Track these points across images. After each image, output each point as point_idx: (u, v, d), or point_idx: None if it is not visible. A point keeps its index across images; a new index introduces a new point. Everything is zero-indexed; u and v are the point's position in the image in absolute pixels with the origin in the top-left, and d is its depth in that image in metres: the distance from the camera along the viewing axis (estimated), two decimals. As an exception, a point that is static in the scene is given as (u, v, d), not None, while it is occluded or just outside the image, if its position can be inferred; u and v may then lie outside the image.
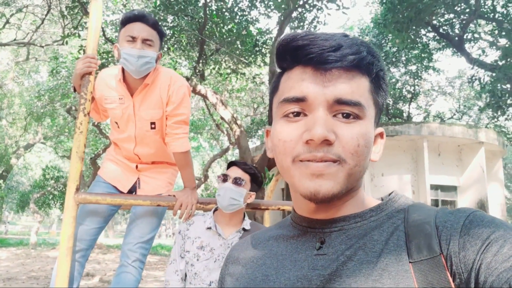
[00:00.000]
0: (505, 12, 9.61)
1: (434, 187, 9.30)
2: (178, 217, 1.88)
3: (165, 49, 8.89)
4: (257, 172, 1.87)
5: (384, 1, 8.98)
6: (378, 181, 8.84)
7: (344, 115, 0.53)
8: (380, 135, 0.61)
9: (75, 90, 1.88)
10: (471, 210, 0.52)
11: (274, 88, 0.61)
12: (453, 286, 0.47)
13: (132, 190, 2.04)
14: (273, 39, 9.55)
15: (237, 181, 1.78)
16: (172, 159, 2.06)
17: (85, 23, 8.97)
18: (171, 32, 8.76)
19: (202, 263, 1.76)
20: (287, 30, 9.29)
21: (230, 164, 1.88)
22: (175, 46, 9.34)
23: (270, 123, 0.64)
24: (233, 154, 19.08)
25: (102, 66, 6.44)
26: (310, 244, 0.57)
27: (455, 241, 0.48)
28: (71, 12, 8.36)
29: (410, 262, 0.49)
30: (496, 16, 9.70)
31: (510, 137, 9.99)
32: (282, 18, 8.80)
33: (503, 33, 9.65)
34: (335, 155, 0.52)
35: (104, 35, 8.63)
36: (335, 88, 0.53)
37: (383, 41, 11.98)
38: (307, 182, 0.53)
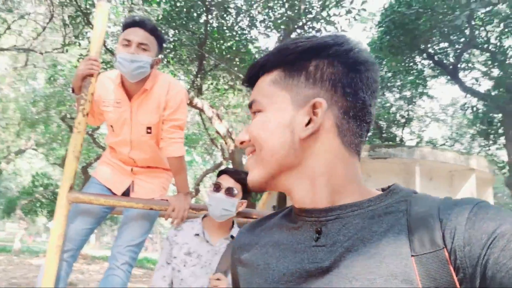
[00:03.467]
0: (498, 43, 9.88)
1: (425, 212, 9.31)
2: (170, 223, 1.88)
3: (165, 62, 8.98)
4: None
5: (382, 24, 9.19)
6: (369, 203, 8.84)
7: (253, 115, 0.64)
8: (319, 105, 0.57)
9: (73, 91, 1.90)
10: (476, 201, 0.51)
11: None
12: (455, 280, 0.47)
13: (126, 193, 2.04)
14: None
15: (229, 192, 1.77)
16: (167, 165, 2.07)
17: (86, 32, 9.05)
18: (172, 46, 8.87)
19: (189, 269, 1.75)
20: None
21: (221, 172, 1.87)
22: (175, 59, 9.44)
23: None
24: (226, 170, 18.99)
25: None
26: (308, 234, 0.58)
27: (459, 235, 0.47)
28: (73, 22, 8.45)
29: (412, 255, 0.49)
30: (490, 47, 9.95)
31: (501, 165, 10.11)
32: (281, 38, 8.97)
33: (496, 64, 9.89)
34: (250, 148, 0.63)
35: (104, 45, 8.71)
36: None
37: (379, 66, 12.21)
38: None
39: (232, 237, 1.84)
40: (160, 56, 1.93)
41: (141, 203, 1.80)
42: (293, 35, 9.12)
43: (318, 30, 8.61)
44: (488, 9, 8.28)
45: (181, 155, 1.94)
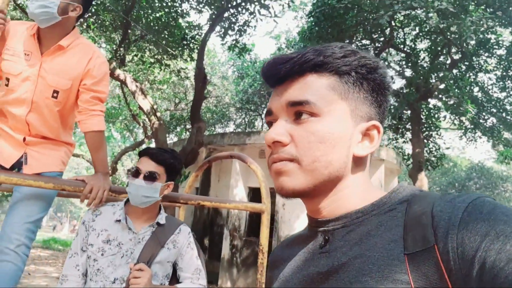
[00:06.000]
0: (412, 45, 10.75)
1: (338, 197, 9.94)
2: (87, 205, 1.68)
3: (85, 26, 8.19)
4: (174, 160, 1.69)
5: (312, 14, 9.41)
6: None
7: (298, 115, 0.58)
8: (375, 128, 0.60)
9: None
10: (471, 198, 0.50)
11: None
12: (446, 277, 0.46)
13: (15, 166, 1.76)
14: (202, 35, 9.39)
15: (150, 177, 1.60)
16: (67, 138, 1.86)
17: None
18: (94, 9, 8.11)
19: (107, 258, 1.58)
20: (217, 29, 9.24)
21: (142, 154, 1.67)
22: (96, 24, 8.67)
23: None
24: (147, 148, 18.24)
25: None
26: (317, 243, 0.60)
27: (453, 236, 0.47)
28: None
29: (405, 254, 0.49)
30: (405, 48, 10.79)
31: (406, 158, 11.16)
32: (213, 16, 8.71)
33: (409, 64, 10.77)
34: (288, 154, 0.57)
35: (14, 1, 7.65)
36: (287, 94, 0.59)
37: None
38: (275, 181, 0.59)
39: (158, 224, 1.70)
40: (78, 4, 1.68)
41: (51, 183, 1.57)
42: (226, 14, 8.92)
43: (252, 13, 8.52)
44: (407, 12, 8.90)
45: (101, 130, 1.74)
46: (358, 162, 0.60)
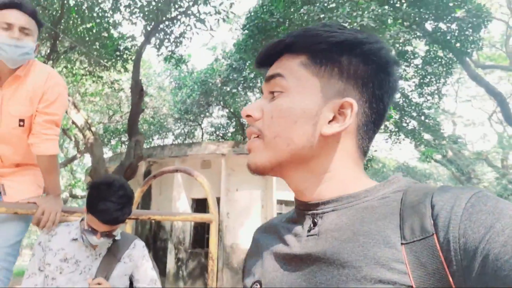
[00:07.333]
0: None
1: (280, 202, 10.27)
2: (40, 227, 1.69)
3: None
4: (127, 210, 1.61)
5: (246, 27, 9.71)
6: (232, 196, 9.33)
7: (271, 93, 0.59)
8: (349, 105, 0.56)
9: None
10: (473, 191, 0.48)
11: None
12: (445, 266, 0.45)
13: None
14: (137, 47, 9.26)
15: (108, 235, 1.62)
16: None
17: None
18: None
19: (65, 276, 1.62)
20: (152, 40, 9.17)
21: (91, 212, 1.55)
22: (21, 36, 8.18)
23: None
24: (80, 164, 17.37)
25: None
26: (305, 226, 0.58)
27: (455, 226, 0.45)
28: None
29: (402, 243, 0.48)
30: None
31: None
32: (148, 28, 8.65)
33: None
34: (256, 129, 0.59)
35: None
36: (267, 74, 0.61)
37: (243, 66, 12.86)
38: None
39: (113, 239, 1.75)
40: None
41: (3, 207, 1.56)
42: (162, 26, 8.89)
43: (188, 25, 8.61)
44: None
45: (54, 154, 1.77)
46: (332, 143, 0.57)
